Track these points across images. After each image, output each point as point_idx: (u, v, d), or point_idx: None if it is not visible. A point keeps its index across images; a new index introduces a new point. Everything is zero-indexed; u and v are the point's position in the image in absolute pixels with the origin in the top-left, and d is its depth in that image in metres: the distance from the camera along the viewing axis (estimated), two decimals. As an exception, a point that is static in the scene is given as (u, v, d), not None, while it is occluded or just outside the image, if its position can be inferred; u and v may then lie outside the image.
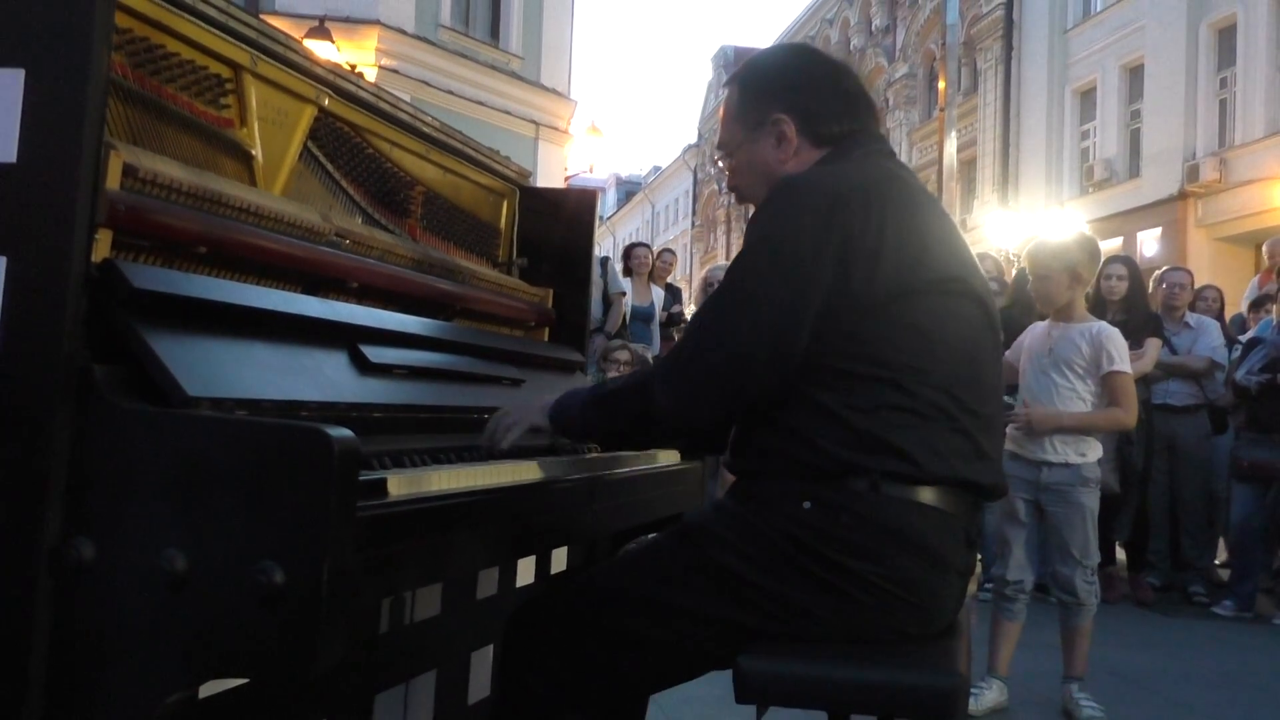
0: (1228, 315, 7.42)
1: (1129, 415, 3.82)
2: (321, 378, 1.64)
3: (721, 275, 7.21)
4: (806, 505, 1.69)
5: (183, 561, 1.20)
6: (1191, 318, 6.39)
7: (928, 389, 1.71)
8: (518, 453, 1.93)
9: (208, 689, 1.54)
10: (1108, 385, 3.77)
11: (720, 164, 2.10)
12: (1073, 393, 3.78)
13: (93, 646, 1.25)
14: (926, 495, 1.70)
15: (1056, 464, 3.74)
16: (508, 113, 15.33)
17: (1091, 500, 3.74)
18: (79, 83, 1.28)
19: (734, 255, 1.88)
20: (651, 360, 7.37)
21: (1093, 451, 3.78)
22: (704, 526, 1.79)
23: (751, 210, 1.92)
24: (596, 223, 3.00)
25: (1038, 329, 3.97)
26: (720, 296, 1.77)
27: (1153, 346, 5.77)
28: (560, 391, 1.93)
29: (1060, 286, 3.80)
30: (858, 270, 1.69)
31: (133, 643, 1.23)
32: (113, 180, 1.43)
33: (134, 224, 1.47)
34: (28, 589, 1.24)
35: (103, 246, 1.41)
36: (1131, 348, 5.64)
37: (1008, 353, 3.95)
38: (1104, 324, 3.94)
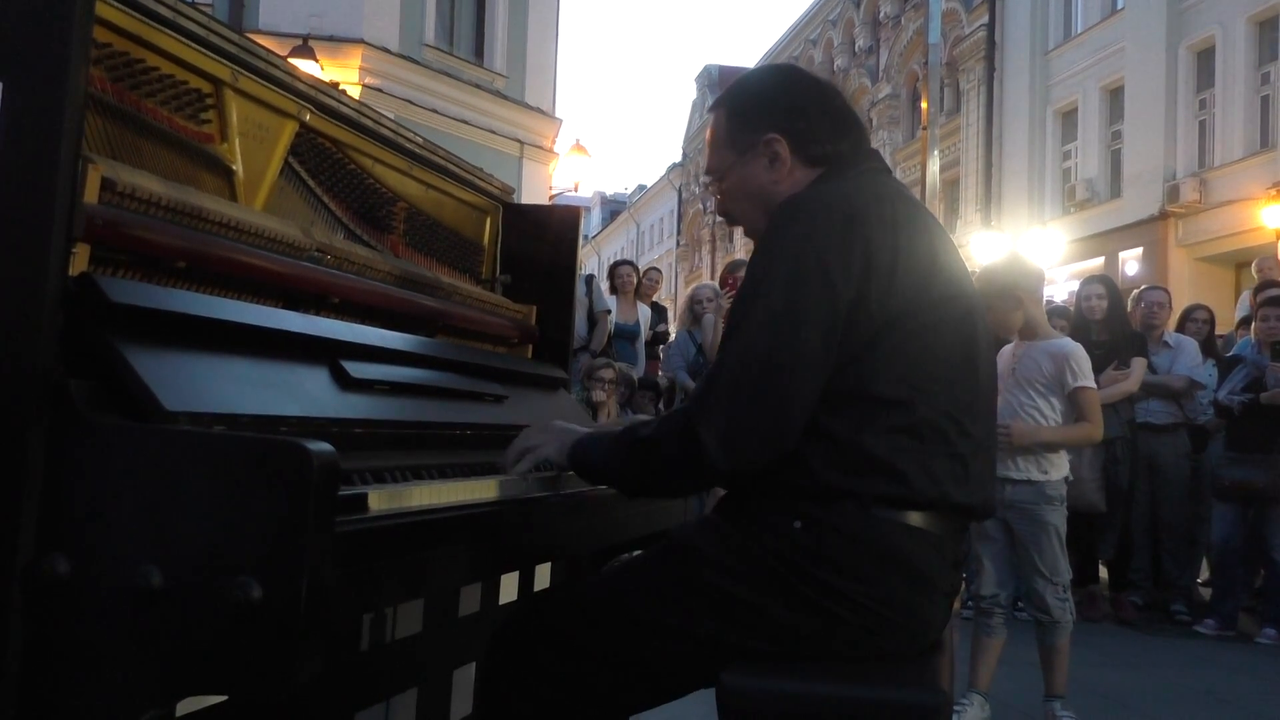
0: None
1: (1097, 429, 3.87)
2: (302, 393, 1.64)
3: (708, 293, 7.27)
4: (796, 524, 1.67)
5: (159, 577, 1.19)
6: (1170, 337, 6.43)
7: (928, 412, 1.69)
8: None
9: (185, 706, 1.53)
10: (1075, 401, 3.80)
11: (709, 189, 2.06)
12: (1035, 410, 3.80)
13: (67, 663, 1.24)
14: (916, 518, 1.69)
15: (1019, 481, 3.75)
16: (492, 131, 15.32)
17: (1057, 518, 3.75)
18: (57, 96, 1.27)
19: (746, 278, 1.77)
20: (636, 379, 7.36)
21: (1056, 470, 3.79)
22: (691, 543, 1.76)
23: (740, 231, 1.90)
24: (581, 240, 3.00)
25: (1005, 351, 3.99)
26: (755, 320, 1.68)
27: (1139, 366, 5.80)
28: (549, 410, 1.91)
29: (1007, 312, 3.83)
30: (876, 286, 1.67)
31: (108, 659, 1.22)
32: (91, 194, 1.42)
33: (112, 238, 1.46)
34: (1, 605, 1.22)
35: (80, 260, 1.41)
36: (1117, 367, 5.70)
37: None
38: (1066, 340, 3.98)
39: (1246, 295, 8.27)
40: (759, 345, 1.66)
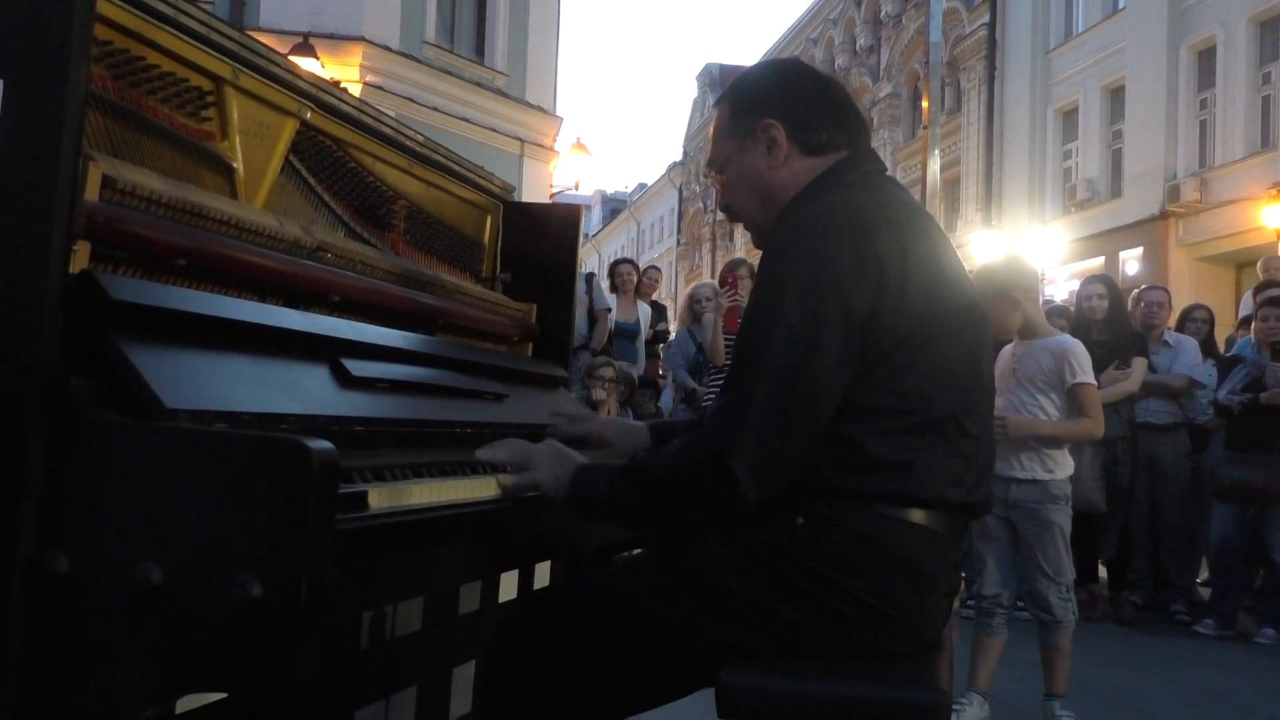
0: (1217, 335, 7.42)
1: (1097, 425, 3.88)
2: (302, 391, 1.63)
3: (708, 292, 7.26)
4: (799, 521, 1.67)
5: (159, 574, 1.19)
6: (1170, 336, 6.42)
7: (933, 416, 1.69)
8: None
9: (185, 703, 1.53)
10: (1074, 397, 3.80)
11: (710, 183, 2.06)
12: (1037, 409, 3.80)
13: (67, 661, 1.24)
14: (918, 515, 1.69)
15: (1024, 480, 3.75)
16: (493, 130, 15.33)
17: (1061, 517, 3.75)
18: (57, 94, 1.27)
19: (757, 299, 1.75)
20: (636, 378, 7.36)
21: (1061, 469, 3.79)
22: (692, 540, 1.75)
23: (740, 229, 1.88)
24: (581, 238, 2.99)
25: (1005, 351, 3.99)
26: (775, 347, 1.65)
27: (1139, 366, 5.80)
28: (550, 408, 1.89)
29: (1004, 313, 3.82)
30: (889, 299, 1.66)
31: (108, 656, 1.22)
32: (91, 192, 1.42)
33: (113, 236, 1.46)
34: (1, 603, 1.22)
35: (81, 258, 1.40)
36: (1117, 367, 5.70)
37: None
38: (1065, 337, 3.98)
39: (1249, 295, 8.27)
40: (783, 373, 1.64)
